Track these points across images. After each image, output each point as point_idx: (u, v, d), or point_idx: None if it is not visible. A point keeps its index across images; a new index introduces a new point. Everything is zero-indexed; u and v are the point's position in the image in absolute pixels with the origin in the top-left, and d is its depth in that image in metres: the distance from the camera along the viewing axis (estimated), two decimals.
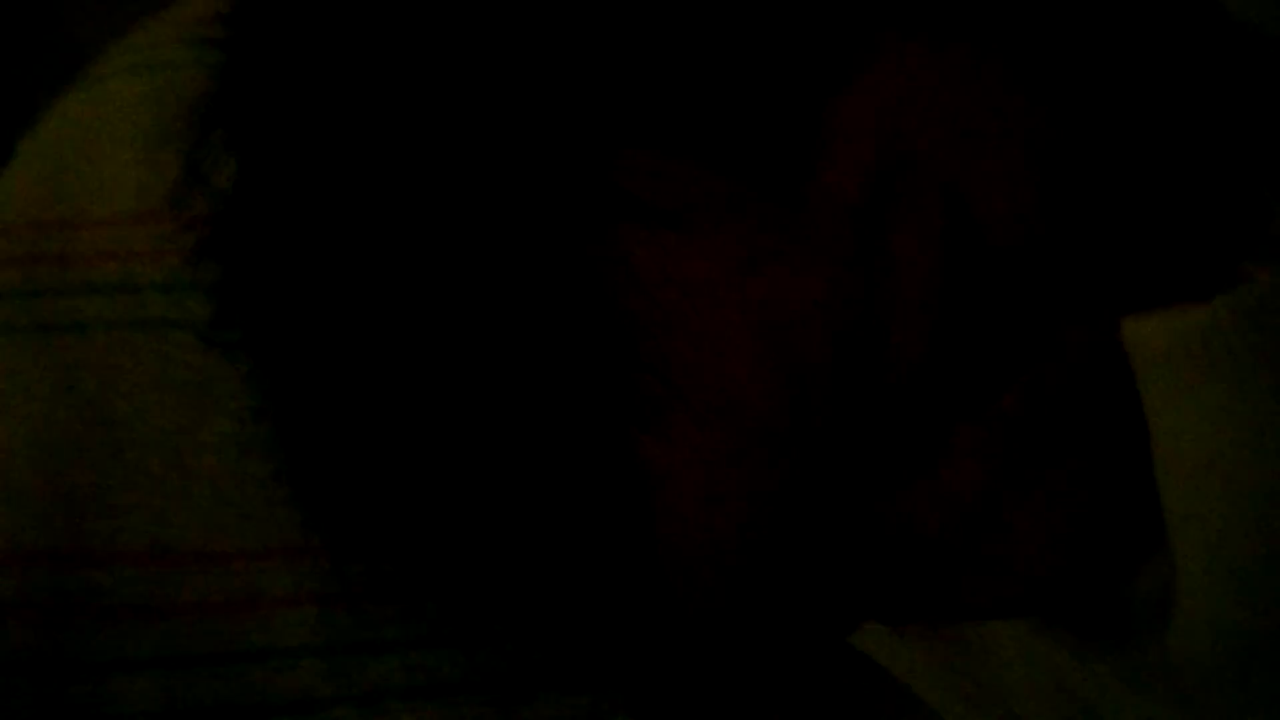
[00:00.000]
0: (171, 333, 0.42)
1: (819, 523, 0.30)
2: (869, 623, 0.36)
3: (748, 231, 0.28)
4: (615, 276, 0.28)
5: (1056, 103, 0.29)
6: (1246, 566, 0.25)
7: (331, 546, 0.37)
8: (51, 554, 0.39)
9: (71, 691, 0.37)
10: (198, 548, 0.39)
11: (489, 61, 0.30)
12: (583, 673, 0.36)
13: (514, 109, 0.29)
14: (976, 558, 0.31)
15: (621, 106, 0.29)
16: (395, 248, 0.30)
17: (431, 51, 0.30)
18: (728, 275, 0.28)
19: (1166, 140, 0.28)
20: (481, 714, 0.36)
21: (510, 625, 0.35)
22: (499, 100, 0.29)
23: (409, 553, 0.34)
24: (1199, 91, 0.30)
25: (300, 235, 0.32)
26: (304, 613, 0.38)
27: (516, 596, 0.33)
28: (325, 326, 0.32)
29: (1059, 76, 0.29)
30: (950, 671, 0.37)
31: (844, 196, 0.28)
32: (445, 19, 0.30)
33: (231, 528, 0.39)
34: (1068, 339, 0.29)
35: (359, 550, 0.36)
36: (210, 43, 0.47)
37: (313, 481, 0.35)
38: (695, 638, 0.32)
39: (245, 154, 0.35)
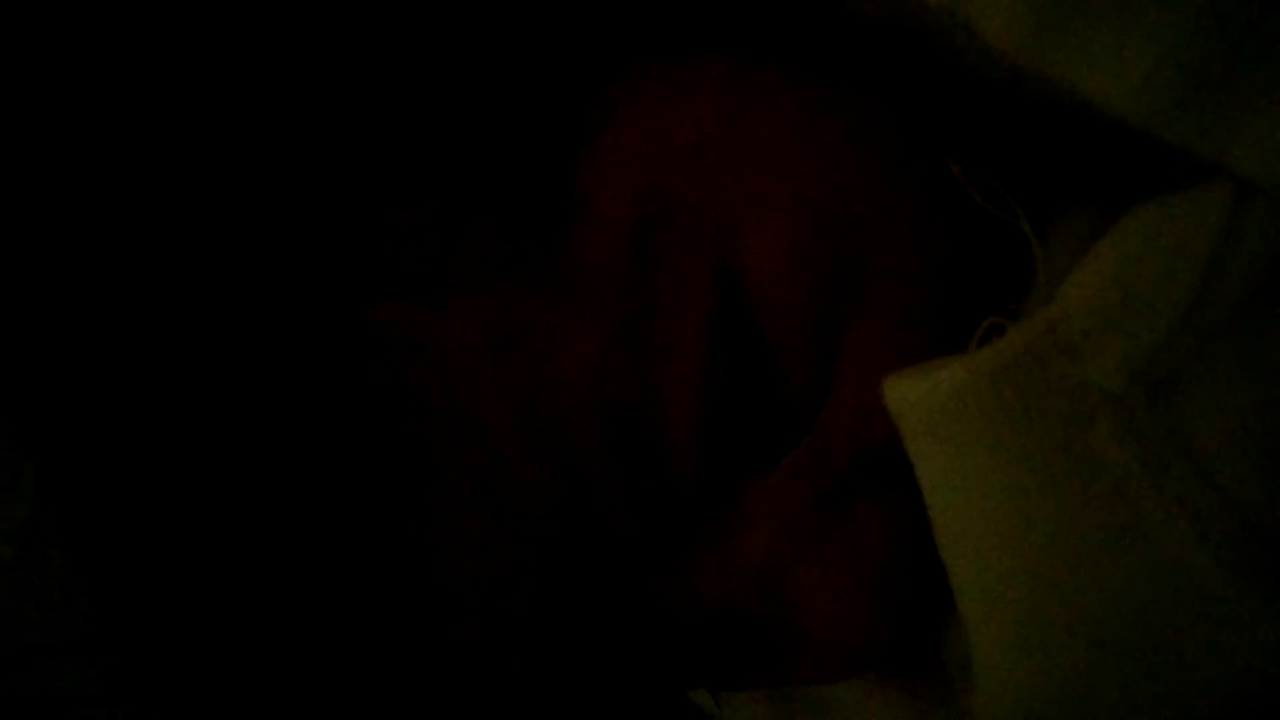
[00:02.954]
0: None
1: (600, 596, 0.28)
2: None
3: (505, 299, 0.26)
4: (376, 360, 0.27)
5: (825, 141, 0.27)
6: (1028, 633, 0.24)
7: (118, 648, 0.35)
8: None
9: None
10: None
11: (249, 127, 0.28)
12: None
13: (274, 177, 0.28)
14: (778, 624, 0.30)
15: (383, 170, 0.27)
16: (163, 338, 0.28)
17: (191, 116, 0.29)
18: (484, 348, 0.26)
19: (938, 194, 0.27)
20: None
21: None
22: (260, 169, 0.28)
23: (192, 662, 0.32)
24: (981, 141, 0.29)
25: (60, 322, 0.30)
26: (110, 713, 0.36)
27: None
28: (93, 421, 0.30)
29: (829, 104, 0.28)
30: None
31: (605, 255, 0.27)
32: (205, 89, 0.29)
33: (33, 623, 0.37)
34: (847, 390, 0.27)
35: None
36: None
37: (94, 580, 0.33)
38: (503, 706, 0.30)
39: None
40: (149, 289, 0.27)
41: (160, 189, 0.27)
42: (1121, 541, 0.23)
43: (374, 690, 0.29)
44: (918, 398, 0.24)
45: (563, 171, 0.27)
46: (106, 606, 0.34)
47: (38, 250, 0.28)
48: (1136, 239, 0.23)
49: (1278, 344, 0.23)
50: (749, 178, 0.27)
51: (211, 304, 0.27)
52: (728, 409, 0.27)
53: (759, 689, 0.35)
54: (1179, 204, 0.23)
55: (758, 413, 0.28)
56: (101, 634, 0.35)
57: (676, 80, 0.28)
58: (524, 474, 0.27)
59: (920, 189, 0.27)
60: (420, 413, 0.27)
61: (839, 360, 0.27)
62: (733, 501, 0.28)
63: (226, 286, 0.27)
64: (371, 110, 0.27)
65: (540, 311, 0.27)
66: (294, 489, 0.27)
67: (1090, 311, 0.23)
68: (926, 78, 0.28)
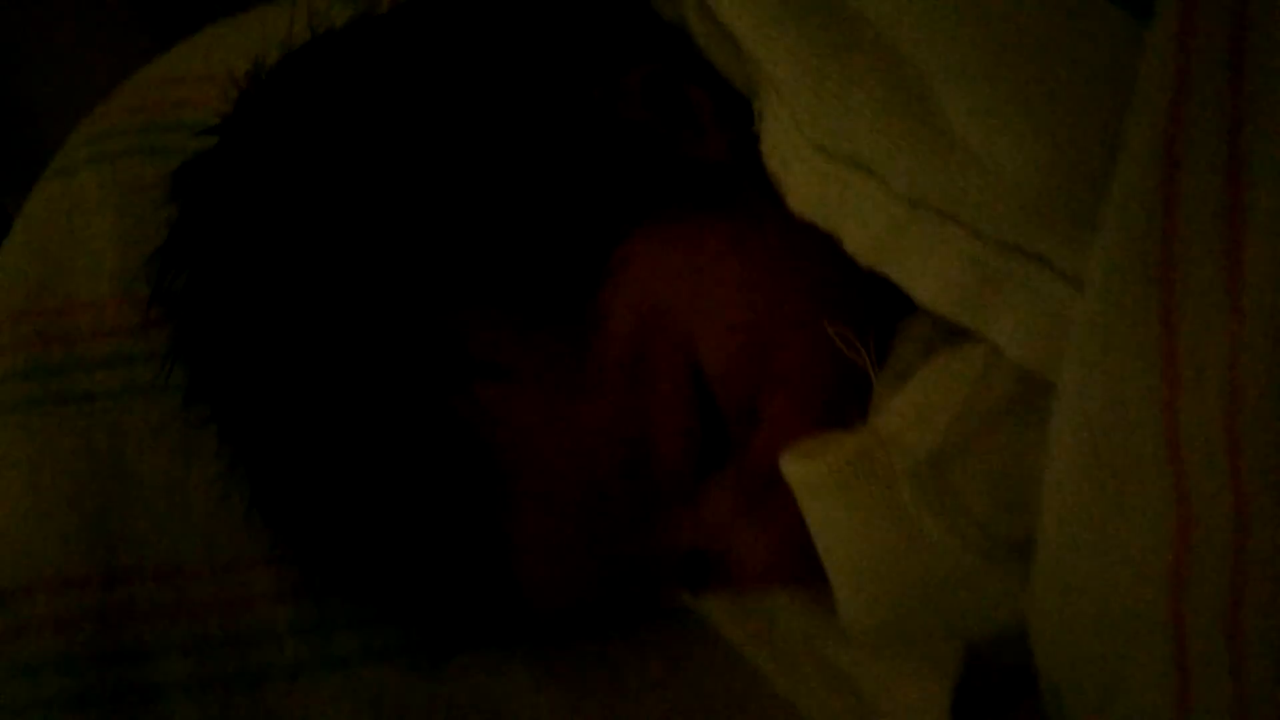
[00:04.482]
0: (160, 396, 0.54)
1: (620, 550, 0.45)
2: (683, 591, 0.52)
3: (556, 384, 0.43)
4: (474, 419, 0.43)
5: (754, 290, 0.43)
6: (871, 607, 0.42)
7: (295, 559, 0.52)
8: (94, 578, 0.51)
9: (125, 673, 0.50)
10: (202, 561, 0.52)
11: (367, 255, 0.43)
12: (483, 637, 0.52)
13: (382, 294, 0.43)
14: (728, 557, 0.47)
15: (482, 303, 0.43)
16: (310, 387, 0.44)
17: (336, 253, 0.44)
18: (546, 414, 0.43)
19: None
20: (415, 667, 0.51)
21: (429, 615, 0.51)
22: (372, 283, 0.43)
23: (352, 576, 0.49)
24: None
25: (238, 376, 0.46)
26: (287, 605, 0.52)
27: (428, 604, 0.48)
28: (269, 427, 0.46)
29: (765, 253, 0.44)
30: (738, 613, 0.54)
31: (616, 358, 0.43)
32: (347, 231, 0.44)
33: (225, 545, 0.53)
34: (763, 435, 0.44)
35: (316, 563, 0.51)
36: (152, 130, 0.59)
37: (273, 516, 0.50)
38: (549, 614, 0.48)
39: (198, 284, 0.48)
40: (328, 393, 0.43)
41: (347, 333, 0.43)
42: (920, 553, 0.40)
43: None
44: (800, 475, 0.40)
45: (591, 301, 0.43)
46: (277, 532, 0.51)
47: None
48: (930, 377, 0.39)
49: (1013, 440, 0.39)
50: (705, 315, 0.43)
51: (365, 392, 0.43)
52: (698, 443, 0.44)
53: (719, 590, 0.52)
54: (958, 356, 0.39)
55: (714, 442, 0.44)
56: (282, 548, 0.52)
57: (668, 242, 0.43)
58: (567, 486, 0.44)
59: (814, 328, 0.42)
60: (503, 453, 0.43)
61: (761, 416, 0.44)
62: (697, 492, 0.45)
63: (378, 379, 0.43)
64: (470, 268, 0.43)
65: (581, 389, 0.43)
66: (423, 499, 0.44)
67: (897, 424, 0.39)
68: None
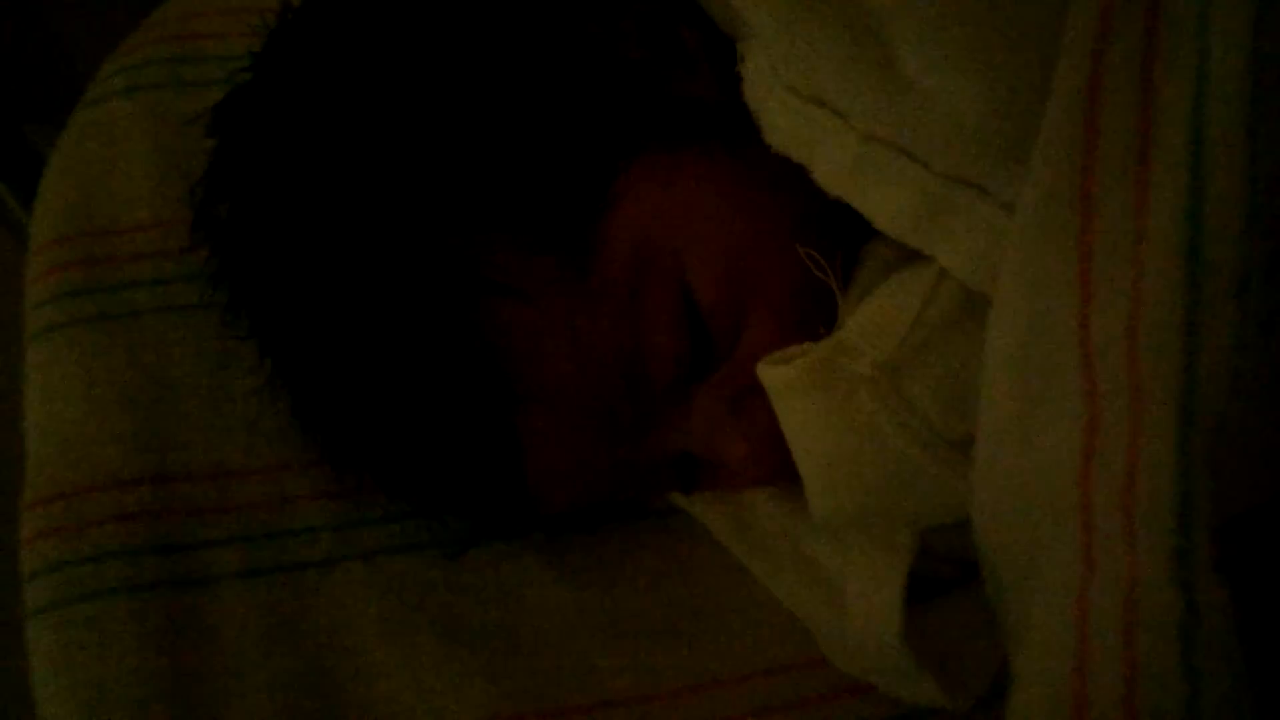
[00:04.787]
0: (199, 314, 0.58)
1: (620, 453, 0.51)
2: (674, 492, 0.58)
3: (563, 302, 0.48)
4: (489, 333, 0.48)
5: (740, 217, 0.48)
6: (835, 499, 0.47)
7: (330, 462, 0.57)
8: (146, 479, 0.55)
9: (179, 563, 0.54)
10: (244, 465, 0.58)
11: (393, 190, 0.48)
12: (496, 531, 0.58)
13: (411, 224, 0.48)
14: (713, 459, 0.52)
15: (480, 223, 0.48)
16: (345, 303, 0.50)
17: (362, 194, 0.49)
18: (554, 329, 0.48)
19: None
20: (436, 557, 0.56)
21: (449, 509, 0.56)
22: (401, 211, 0.48)
23: (381, 476, 0.55)
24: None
25: (277, 282, 0.51)
26: (321, 504, 0.56)
27: (448, 499, 0.54)
28: (306, 343, 0.52)
29: (749, 190, 0.48)
30: (725, 512, 0.60)
31: (615, 279, 0.48)
32: (370, 170, 0.49)
33: (264, 451, 0.57)
34: (745, 347, 0.49)
35: (348, 464, 0.57)
36: (180, 62, 0.64)
37: (309, 423, 0.56)
38: (555, 511, 0.54)
39: (238, 211, 0.53)
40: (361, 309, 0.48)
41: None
42: (877, 450, 0.45)
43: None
44: (774, 380, 0.46)
45: (592, 229, 0.48)
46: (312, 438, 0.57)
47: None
48: (886, 294, 0.44)
49: (958, 349, 0.44)
50: (693, 242, 0.48)
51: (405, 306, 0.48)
52: (688, 355, 0.49)
53: (706, 490, 0.58)
54: (911, 275, 0.44)
55: (702, 355, 0.49)
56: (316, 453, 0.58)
57: (661, 175, 0.48)
58: (572, 394, 0.49)
59: (789, 252, 0.47)
60: (515, 363, 0.48)
61: (742, 332, 0.49)
62: (687, 399, 0.51)
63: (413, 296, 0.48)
64: (484, 197, 0.47)
65: (584, 307, 0.48)
66: (445, 409, 0.49)
67: (857, 336, 0.44)
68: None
